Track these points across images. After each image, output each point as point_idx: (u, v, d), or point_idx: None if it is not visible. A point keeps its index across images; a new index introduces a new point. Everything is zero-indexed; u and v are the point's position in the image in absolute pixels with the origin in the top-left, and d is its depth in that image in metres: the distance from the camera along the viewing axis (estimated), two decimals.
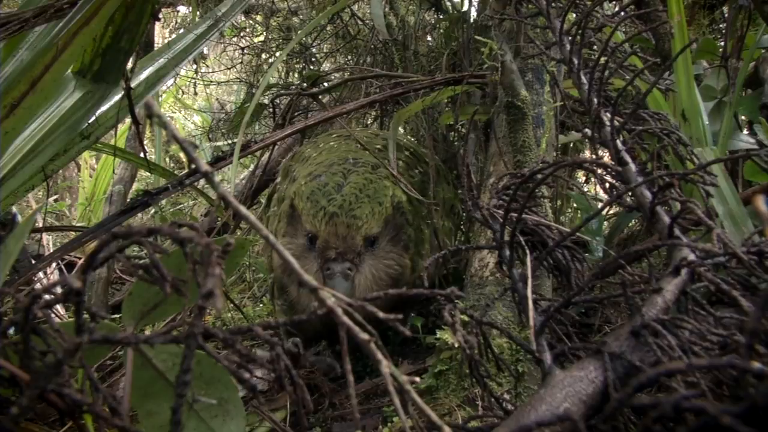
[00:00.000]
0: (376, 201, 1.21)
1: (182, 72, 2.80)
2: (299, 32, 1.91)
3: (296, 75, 2.48)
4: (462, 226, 1.74)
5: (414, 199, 1.34)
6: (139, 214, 2.64)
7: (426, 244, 1.35)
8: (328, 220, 1.16)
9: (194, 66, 2.75)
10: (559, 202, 1.65)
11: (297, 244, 1.25)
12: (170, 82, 2.59)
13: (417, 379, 0.48)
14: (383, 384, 1.19)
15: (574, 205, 1.83)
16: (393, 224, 1.25)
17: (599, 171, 0.80)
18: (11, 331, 0.61)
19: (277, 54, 2.48)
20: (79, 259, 1.99)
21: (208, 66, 3.06)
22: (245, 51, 2.65)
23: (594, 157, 0.90)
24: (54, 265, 1.63)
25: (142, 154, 1.31)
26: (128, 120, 1.26)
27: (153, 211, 2.59)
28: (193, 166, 0.67)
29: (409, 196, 1.32)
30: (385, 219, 1.22)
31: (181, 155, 3.60)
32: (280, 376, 0.47)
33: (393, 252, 1.25)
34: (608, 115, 0.83)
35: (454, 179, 1.67)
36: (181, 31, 1.81)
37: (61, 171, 3.17)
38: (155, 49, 1.45)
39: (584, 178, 2.18)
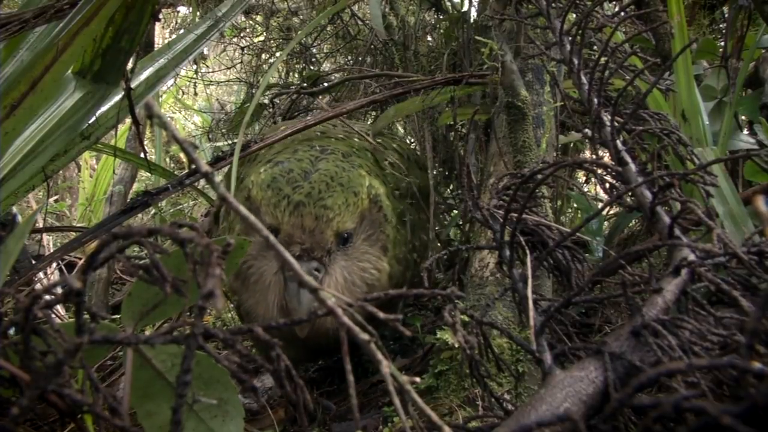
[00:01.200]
0: (350, 191, 1.04)
1: (182, 72, 2.80)
2: (299, 32, 1.91)
3: (296, 75, 2.48)
4: (442, 215, 1.69)
5: (390, 192, 1.18)
6: (140, 215, 2.64)
7: (404, 246, 1.20)
8: (292, 210, 0.99)
9: (194, 66, 2.75)
10: (559, 203, 1.65)
11: (254, 242, 1.06)
12: (170, 82, 2.59)
13: (417, 379, 0.48)
14: (382, 385, 1.19)
15: (575, 205, 1.83)
16: (369, 220, 1.09)
17: (599, 171, 0.80)
18: (11, 331, 0.61)
19: (277, 54, 2.48)
20: (80, 259, 1.99)
21: (208, 66, 3.06)
22: (245, 51, 2.66)
23: (594, 157, 0.90)
24: (54, 265, 1.63)
25: (142, 155, 1.31)
26: (128, 120, 1.26)
27: (153, 211, 2.59)
28: (194, 167, 0.67)
29: (387, 189, 1.17)
30: (361, 213, 1.06)
31: (182, 155, 3.60)
32: (280, 376, 0.47)
33: (369, 253, 1.08)
34: (608, 115, 0.83)
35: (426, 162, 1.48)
36: (182, 31, 1.81)
37: (61, 171, 3.17)
38: (155, 49, 1.45)
39: (584, 179, 2.18)
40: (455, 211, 1.83)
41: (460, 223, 1.71)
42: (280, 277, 1.01)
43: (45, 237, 2.00)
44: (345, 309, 0.47)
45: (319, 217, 1.00)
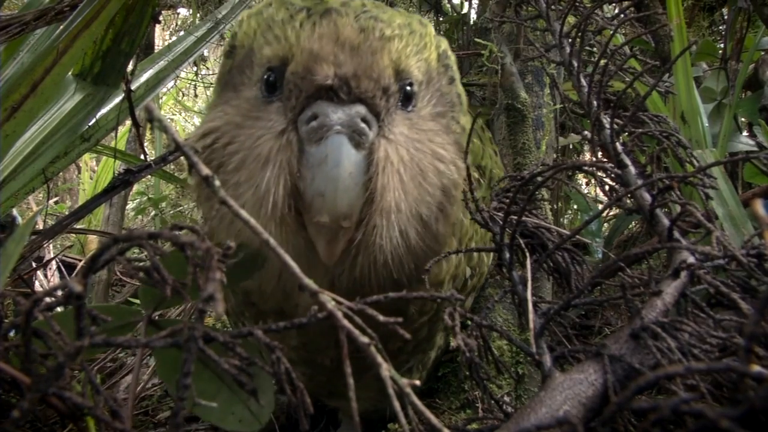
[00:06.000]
0: (415, 18, 0.68)
1: (182, 74, 2.81)
2: None
3: None
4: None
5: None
6: (140, 217, 2.64)
7: (481, 165, 0.79)
8: (318, 19, 0.61)
9: (194, 68, 2.75)
10: (558, 204, 1.65)
11: (241, 100, 0.67)
12: (170, 84, 2.59)
13: (417, 382, 0.48)
14: None
15: (574, 206, 1.83)
16: (437, 89, 0.71)
17: (599, 173, 0.80)
18: (12, 333, 0.61)
19: None
20: (80, 261, 1.99)
21: (208, 68, 3.07)
22: None
23: (594, 159, 0.90)
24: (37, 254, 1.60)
25: (142, 156, 1.31)
26: (129, 122, 1.26)
27: (153, 213, 2.59)
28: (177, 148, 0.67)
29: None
30: (428, 65, 0.68)
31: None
32: (281, 378, 0.47)
33: (440, 136, 0.68)
34: (608, 117, 0.83)
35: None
36: (182, 33, 1.81)
37: (61, 173, 3.17)
38: (155, 51, 1.45)
39: (585, 181, 2.18)
40: None
41: None
42: (291, 138, 0.60)
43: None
44: (346, 312, 0.47)
45: (366, 29, 0.60)
